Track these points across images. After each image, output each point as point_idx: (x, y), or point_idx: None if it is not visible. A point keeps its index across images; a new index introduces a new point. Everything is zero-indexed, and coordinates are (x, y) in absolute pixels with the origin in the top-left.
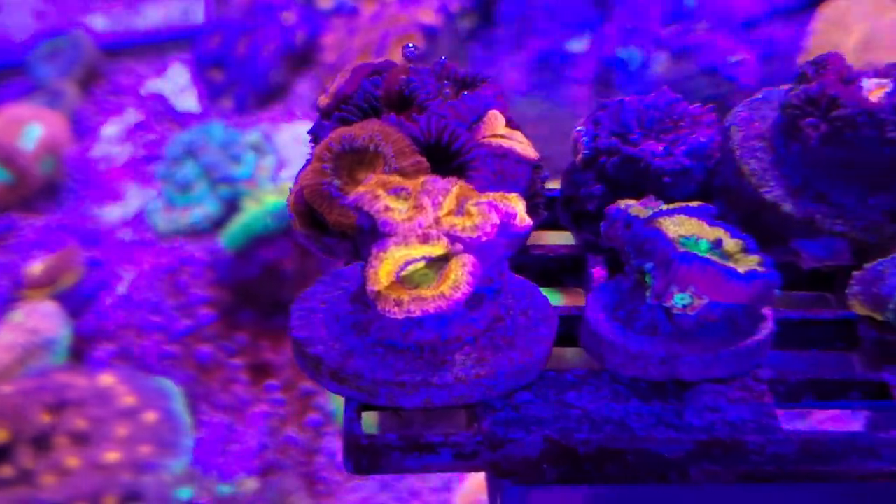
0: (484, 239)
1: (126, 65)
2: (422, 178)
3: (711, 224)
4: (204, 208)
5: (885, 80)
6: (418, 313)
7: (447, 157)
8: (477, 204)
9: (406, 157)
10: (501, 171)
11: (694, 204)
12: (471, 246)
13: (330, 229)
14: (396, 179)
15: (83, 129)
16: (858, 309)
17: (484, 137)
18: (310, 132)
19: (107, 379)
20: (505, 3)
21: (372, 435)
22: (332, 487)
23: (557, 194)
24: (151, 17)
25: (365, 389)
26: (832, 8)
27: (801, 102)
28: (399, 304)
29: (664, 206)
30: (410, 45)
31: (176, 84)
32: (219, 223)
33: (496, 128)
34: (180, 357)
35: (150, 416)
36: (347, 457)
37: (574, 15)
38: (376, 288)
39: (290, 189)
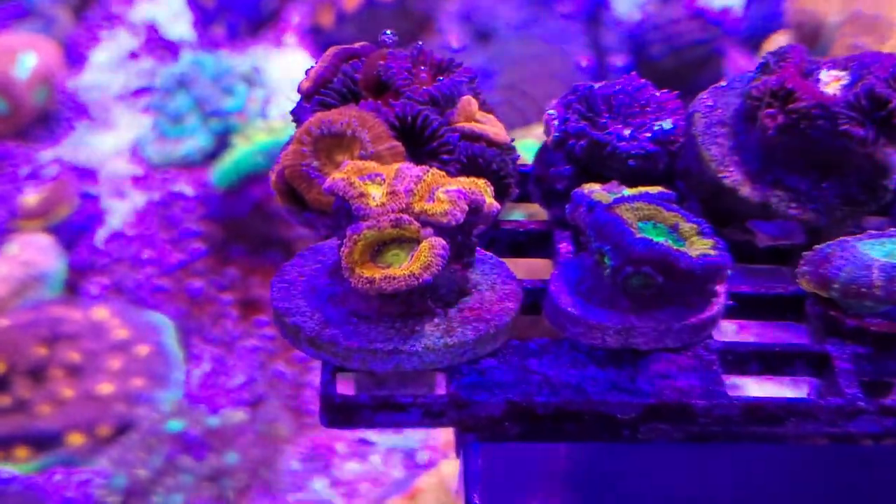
0: (453, 224)
1: None
2: (395, 165)
3: (668, 209)
4: (195, 141)
5: (842, 73)
6: (389, 290)
7: (422, 142)
8: (447, 191)
9: (382, 141)
10: (473, 154)
11: (653, 190)
12: (441, 230)
13: (309, 206)
14: (372, 165)
15: (75, 57)
16: (806, 286)
17: (457, 122)
18: (291, 112)
19: (100, 312)
20: None
21: (346, 395)
22: (318, 419)
23: (530, 171)
24: None
25: (339, 355)
26: None
27: (760, 94)
28: (371, 281)
29: (626, 192)
30: (388, 31)
31: (169, 9)
32: (210, 156)
33: (470, 113)
34: (172, 291)
35: (143, 350)
36: (323, 414)
37: None
38: (350, 266)
39: (272, 169)
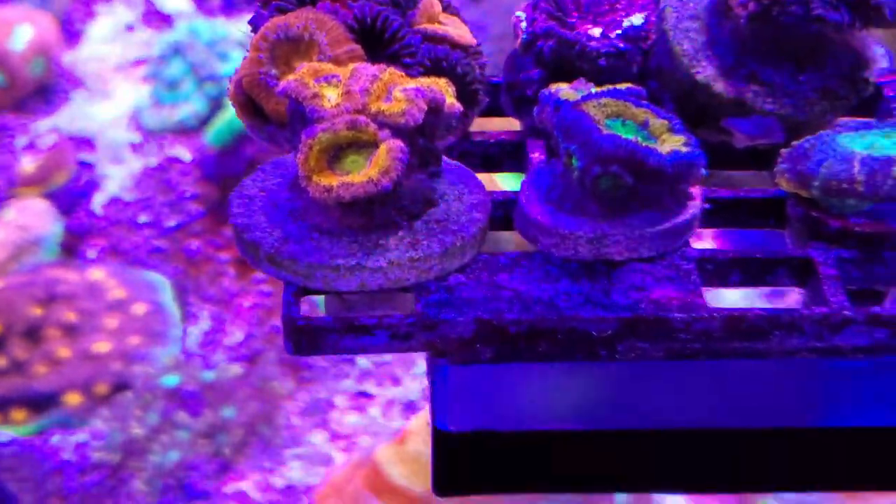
0: (412, 124)
1: None
2: (352, 66)
3: (638, 105)
4: (191, 106)
5: None
6: (347, 198)
7: (382, 44)
8: (404, 90)
9: (340, 44)
10: (436, 57)
11: (622, 86)
12: (399, 131)
13: (271, 118)
14: (328, 67)
15: (72, 31)
16: (785, 186)
17: (419, 24)
18: (249, 22)
19: (97, 273)
20: None
21: (308, 317)
22: (317, 373)
23: (501, 81)
24: None
25: (301, 273)
26: None
27: None
28: (328, 189)
29: (594, 90)
30: None
31: None
32: (206, 120)
33: (433, 14)
34: (170, 252)
35: (140, 308)
36: (287, 338)
37: None
38: (306, 173)
39: (230, 79)
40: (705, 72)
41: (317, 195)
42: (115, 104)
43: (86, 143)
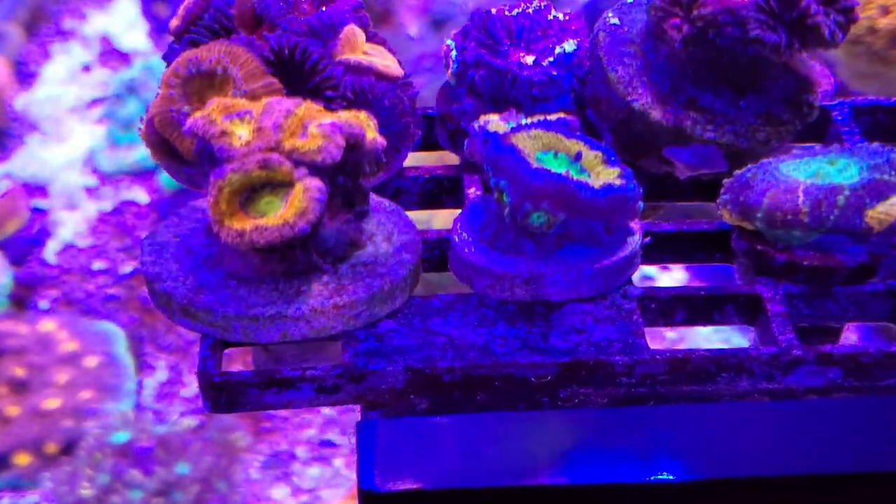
0: (329, 162)
1: (72, 3)
2: (265, 100)
3: (570, 136)
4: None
5: None
6: (262, 243)
7: (302, 77)
8: (320, 125)
9: (256, 78)
10: (361, 89)
11: (553, 117)
12: (317, 169)
13: (186, 159)
14: (240, 103)
15: (27, 72)
16: (728, 218)
17: (341, 55)
18: (163, 57)
19: (48, 325)
20: None
21: (225, 372)
22: (278, 424)
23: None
24: None
25: (217, 325)
26: None
27: (664, 3)
28: (241, 234)
29: (525, 121)
30: None
31: (123, 21)
32: None
33: (355, 44)
34: (125, 299)
35: (92, 361)
36: (204, 396)
37: None
38: (217, 217)
39: (141, 118)
40: (641, 99)
41: (229, 240)
42: (70, 147)
43: (39, 189)
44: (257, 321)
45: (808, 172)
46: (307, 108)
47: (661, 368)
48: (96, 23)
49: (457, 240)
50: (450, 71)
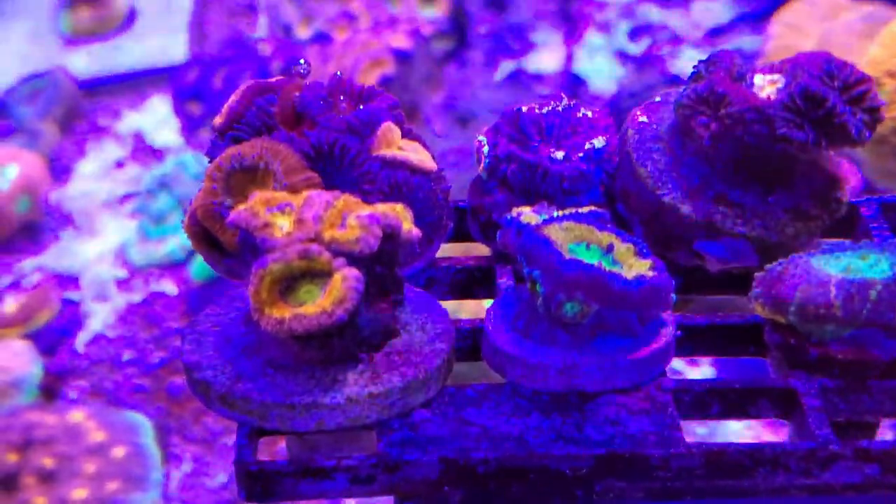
0: (367, 252)
1: (106, 102)
2: (305, 193)
3: (601, 229)
4: (178, 239)
5: (776, 76)
6: (301, 331)
7: (340, 172)
8: (358, 217)
9: (296, 173)
10: (396, 183)
11: (584, 210)
12: (355, 259)
13: (228, 250)
14: (281, 195)
15: (61, 168)
16: (761, 312)
17: (378, 150)
18: (206, 153)
19: (76, 415)
20: (476, 25)
21: (262, 461)
22: None
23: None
24: (132, 54)
25: (255, 413)
26: (790, 11)
27: (691, 102)
28: (281, 322)
29: (557, 213)
30: (301, 60)
31: (155, 118)
32: (193, 252)
33: (391, 140)
34: (153, 390)
35: (119, 451)
36: (240, 485)
37: (543, 33)
38: (258, 306)
39: (184, 211)
40: (671, 193)
41: (269, 328)
42: (101, 241)
43: (71, 280)
44: (294, 409)
45: (839, 267)
46: (346, 201)
47: (698, 462)
48: (130, 121)
49: (490, 329)
50: (481, 165)
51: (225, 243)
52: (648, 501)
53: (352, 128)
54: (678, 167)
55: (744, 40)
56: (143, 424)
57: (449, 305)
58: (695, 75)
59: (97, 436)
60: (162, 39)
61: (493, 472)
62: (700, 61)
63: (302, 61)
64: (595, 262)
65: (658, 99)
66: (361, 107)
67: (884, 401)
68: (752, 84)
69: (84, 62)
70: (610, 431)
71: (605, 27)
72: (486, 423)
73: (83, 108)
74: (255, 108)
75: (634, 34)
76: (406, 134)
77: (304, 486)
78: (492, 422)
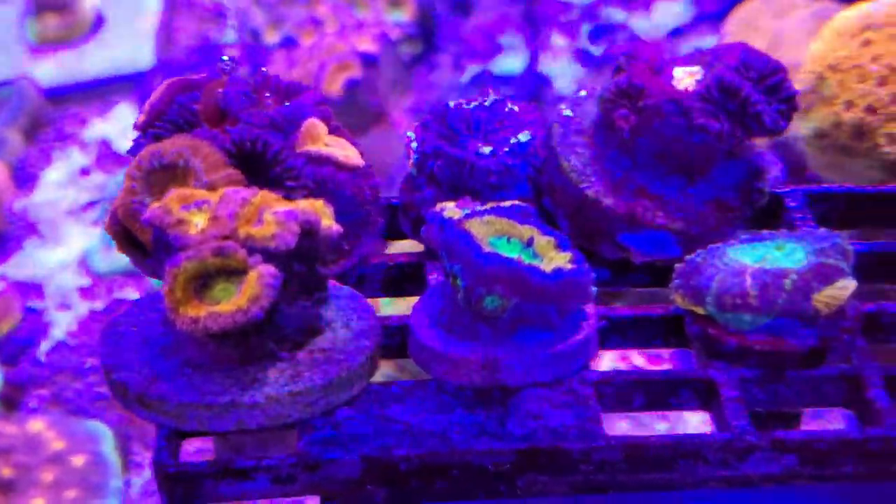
0: (283, 249)
1: (72, 109)
2: (222, 190)
3: (522, 222)
4: None
5: (696, 68)
6: (216, 329)
7: (263, 168)
8: (275, 213)
9: (217, 170)
10: (321, 179)
11: (506, 204)
12: (271, 256)
13: (149, 250)
14: (199, 193)
15: (26, 176)
16: (680, 303)
17: (302, 146)
18: (129, 152)
19: (36, 425)
20: (443, 28)
21: (182, 463)
22: None
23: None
24: (98, 62)
25: (172, 414)
26: (745, 9)
27: (612, 95)
28: (195, 320)
29: (479, 208)
30: (225, 57)
31: (121, 125)
32: None
33: (316, 136)
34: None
35: (78, 460)
36: (161, 488)
37: (508, 35)
38: (172, 305)
39: (106, 210)
40: (594, 187)
41: (184, 327)
42: (65, 249)
43: (34, 289)
44: (211, 409)
45: (755, 257)
46: (263, 197)
47: (619, 455)
48: (96, 128)
49: (415, 325)
50: (411, 161)
51: (145, 243)
52: (572, 495)
53: (275, 124)
54: (601, 161)
55: (704, 40)
56: (104, 433)
57: (384, 303)
58: (617, 69)
59: (56, 445)
60: (129, 46)
61: (415, 470)
62: (621, 54)
63: (226, 58)
64: (515, 255)
65: (583, 93)
66: (287, 103)
67: (802, 391)
68: (671, 77)
69: (51, 70)
70: (532, 426)
71: (568, 29)
72: (410, 420)
73: (49, 115)
74: (177, 105)
75: (596, 35)
76: (333, 130)
77: (224, 487)
78: (416, 419)
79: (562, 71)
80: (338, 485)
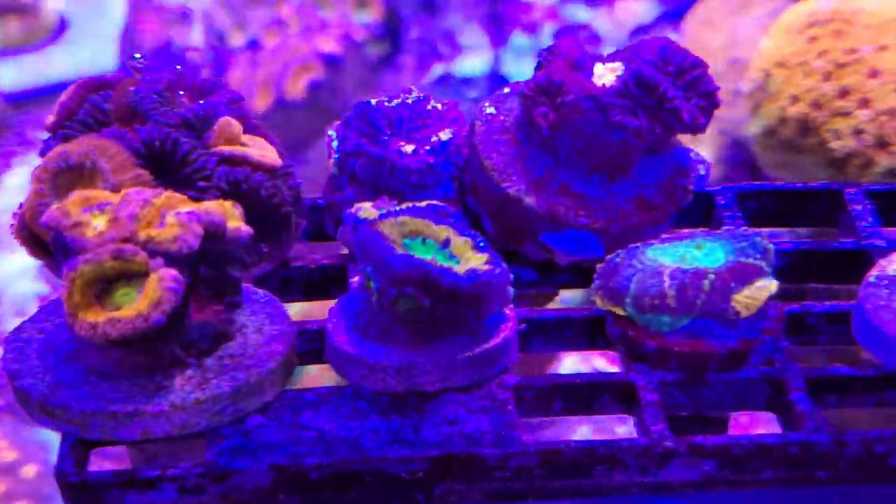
0: (186, 251)
1: (35, 114)
2: (125, 191)
3: (439, 223)
4: None
5: (617, 64)
6: (115, 335)
7: (174, 168)
8: (177, 214)
9: (125, 171)
10: (235, 180)
11: (422, 204)
12: (174, 259)
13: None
14: (102, 194)
15: None
16: (601, 304)
17: (216, 146)
18: (39, 154)
19: None
20: (407, 30)
21: (85, 473)
22: None
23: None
24: (61, 65)
25: (75, 423)
26: (703, 7)
27: (531, 92)
28: (94, 326)
29: (396, 208)
30: (137, 55)
31: None
32: None
33: (230, 135)
34: None
35: (30, 471)
36: (64, 499)
37: (471, 37)
38: (71, 310)
39: (14, 214)
40: (515, 186)
41: (83, 333)
42: (24, 255)
43: None
44: (115, 418)
45: (675, 256)
46: (167, 198)
47: (535, 461)
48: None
49: (331, 328)
50: (332, 161)
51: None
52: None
53: (187, 123)
54: (523, 159)
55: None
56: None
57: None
58: (538, 65)
59: (8, 455)
60: (92, 49)
61: (327, 479)
62: (542, 50)
63: (137, 55)
64: (429, 256)
65: (507, 90)
66: (202, 101)
67: (724, 394)
68: (591, 73)
69: (12, 74)
70: (447, 431)
71: (531, 28)
72: (323, 427)
73: (10, 120)
74: (89, 104)
75: (559, 35)
76: (252, 130)
77: (130, 498)
78: (329, 426)
79: (524, 72)
80: (248, 495)
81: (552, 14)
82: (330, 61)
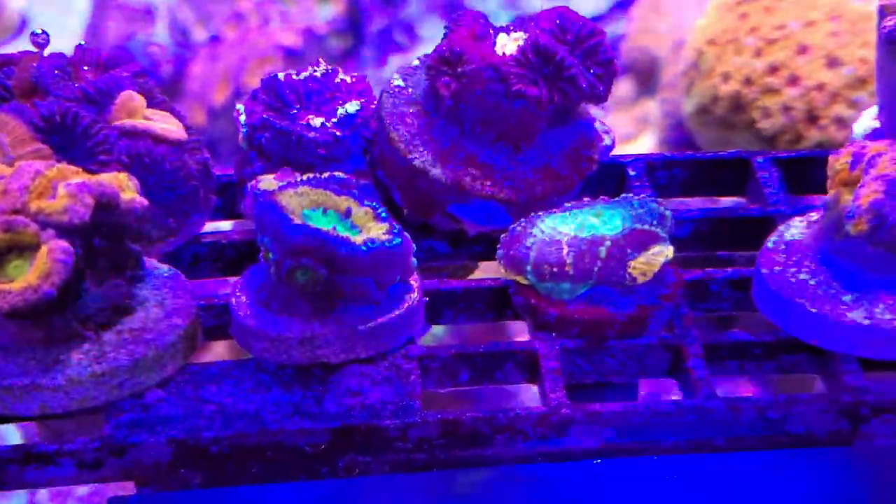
0: (77, 223)
1: None
2: (18, 164)
3: (339, 193)
4: None
5: (519, 34)
6: (6, 308)
7: (75, 143)
8: (67, 186)
9: (24, 144)
10: (137, 154)
11: (324, 175)
12: (65, 231)
13: None
14: None
15: None
16: (504, 273)
17: (117, 119)
18: None
19: None
20: (370, 21)
21: None
22: None
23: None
24: None
25: None
26: None
27: (434, 62)
28: None
29: (299, 179)
30: (38, 30)
31: None
32: None
33: (133, 109)
34: None
35: None
36: None
37: (430, 26)
38: None
39: None
40: (422, 157)
41: None
42: None
43: None
44: (12, 392)
45: (574, 224)
46: (59, 170)
47: (435, 432)
48: None
49: (234, 302)
50: (240, 135)
51: None
52: (396, 475)
53: (88, 97)
54: (430, 130)
55: (619, 26)
56: (11, 435)
57: None
58: (444, 36)
59: None
60: (55, 47)
61: (227, 453)
62: (448, 20)
63: (39, 30)
64: (330, 227)
65: (416, 63)
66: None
67: (626, 361)
68: (494, 43)
69: None
70: (349, 403)
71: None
72: (224, 400)
73: None
74: None
75: (517, 23)
76: (158, 104)
77: (30, 473)
78: (230, 399)
79: None
80: (148, 470)
81: (509, 2)
82: (289, 54)
